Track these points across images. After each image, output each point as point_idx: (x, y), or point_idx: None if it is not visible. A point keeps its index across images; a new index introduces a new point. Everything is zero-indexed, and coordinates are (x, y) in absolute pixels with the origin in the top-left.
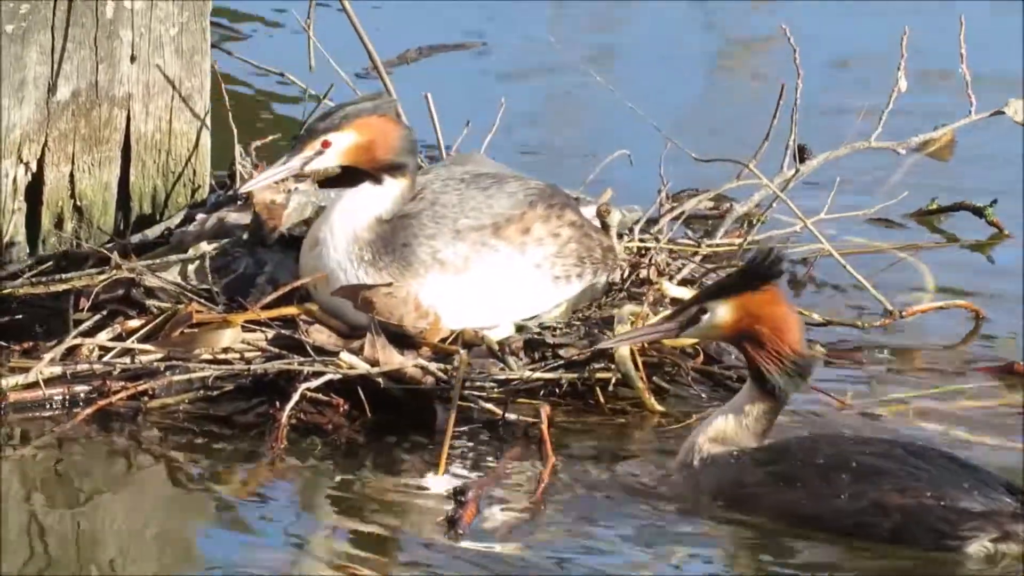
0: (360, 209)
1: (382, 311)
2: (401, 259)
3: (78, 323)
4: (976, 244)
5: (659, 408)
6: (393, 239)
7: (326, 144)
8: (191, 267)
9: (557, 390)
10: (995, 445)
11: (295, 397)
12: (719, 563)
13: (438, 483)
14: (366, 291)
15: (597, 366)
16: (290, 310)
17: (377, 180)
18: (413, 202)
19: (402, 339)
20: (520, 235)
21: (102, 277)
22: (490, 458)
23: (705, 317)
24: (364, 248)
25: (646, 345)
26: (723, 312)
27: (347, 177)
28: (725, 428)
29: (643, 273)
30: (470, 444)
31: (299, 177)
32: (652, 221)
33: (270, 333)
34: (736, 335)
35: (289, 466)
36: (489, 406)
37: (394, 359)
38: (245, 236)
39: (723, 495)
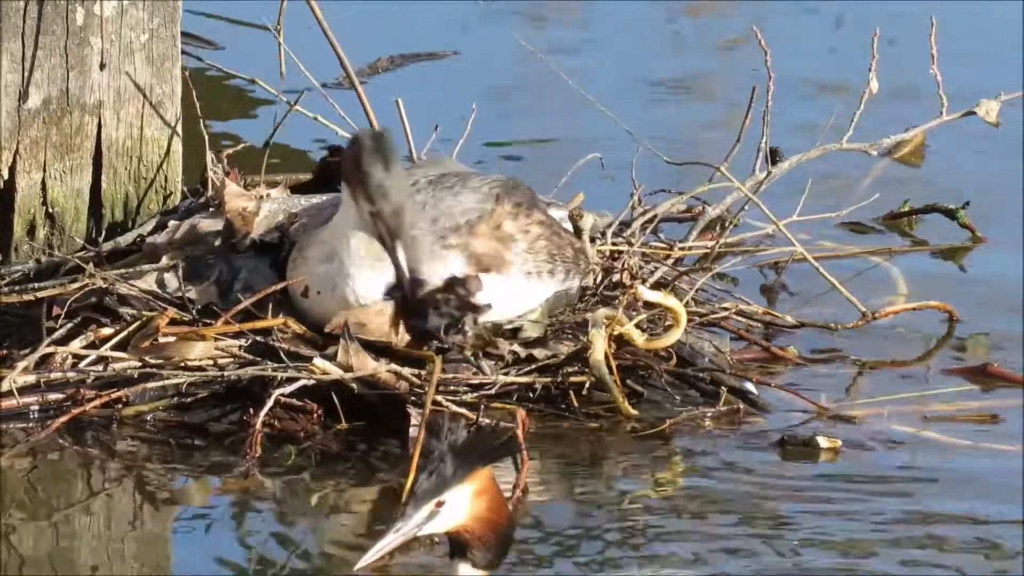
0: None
1: (374, 332)
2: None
3: (51, 331)
4: (950, 248)
5: (633, 412)
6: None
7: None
8: (166, 275)
9: (531, 394)
10: (968, 447)
11: (269, 403)
12: (698, 566)
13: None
14: (358, 314)
15: (570, 370)
16: (267, 323)
17: None
18: None
19: (375, 344)
20: (492, 231)
21: (75, 286)
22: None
23: (444, 510)
24: (379, 259)
25: (609, 352)
26: (463, 500)
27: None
28: None
29: (616, 277)
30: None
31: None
32: (624, 225)
33: (244, 340)
34: (474, 522)
35: (263, 475)
36: (463, 411)
37: (368, 364)
38: (217, 243)
39: None
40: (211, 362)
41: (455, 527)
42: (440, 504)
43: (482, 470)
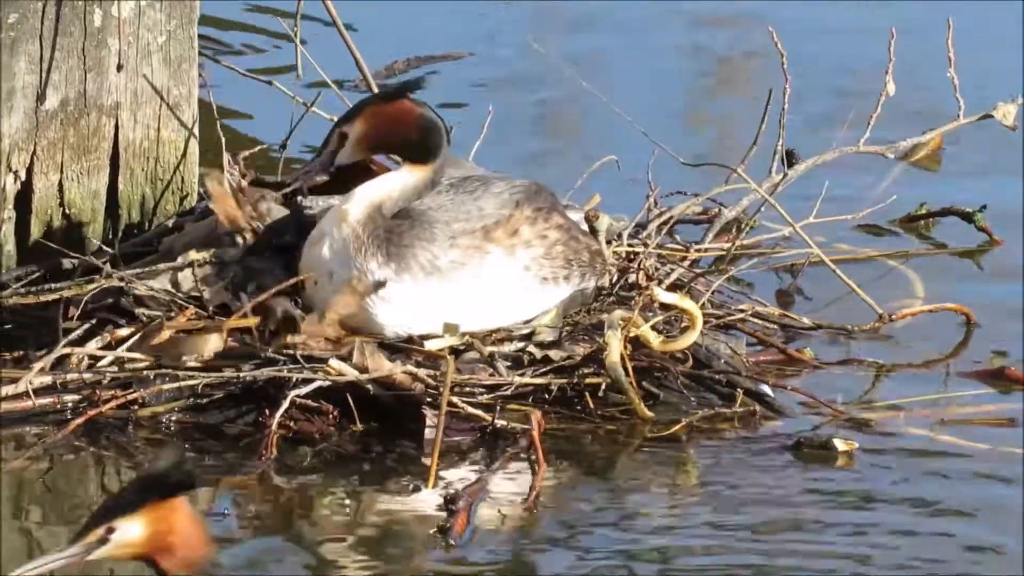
0: (361, 204)
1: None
2: (399, 259)
3: (67, 332)
4: (966, 251)
5: (650, 415)
6: (394, 240)
7: (342, 136)
8: (180, 275)
9: (547, 395)
10: (985, 450)
11: (285, 404)
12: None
13: (429, 492)
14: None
15: (586, 371)
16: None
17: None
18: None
19: (391, 344)
20: (509, 237)
21: (91, 286)
22: (481, 466)
23: (114, 536)
24: (366, 244)
25: (625, 354)
26: (134, 529)
27: (336, 184)
28: None
29: (632, 278)
30: (460, 452)
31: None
32: (640, 226)
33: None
34: (152, 551)
35: (279, 477)
36: (478, 412)
37: (383, 365)
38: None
39: None
40: (227, 362)
41: (129, 555)
42: (111, 530)
43: (167, 502)
